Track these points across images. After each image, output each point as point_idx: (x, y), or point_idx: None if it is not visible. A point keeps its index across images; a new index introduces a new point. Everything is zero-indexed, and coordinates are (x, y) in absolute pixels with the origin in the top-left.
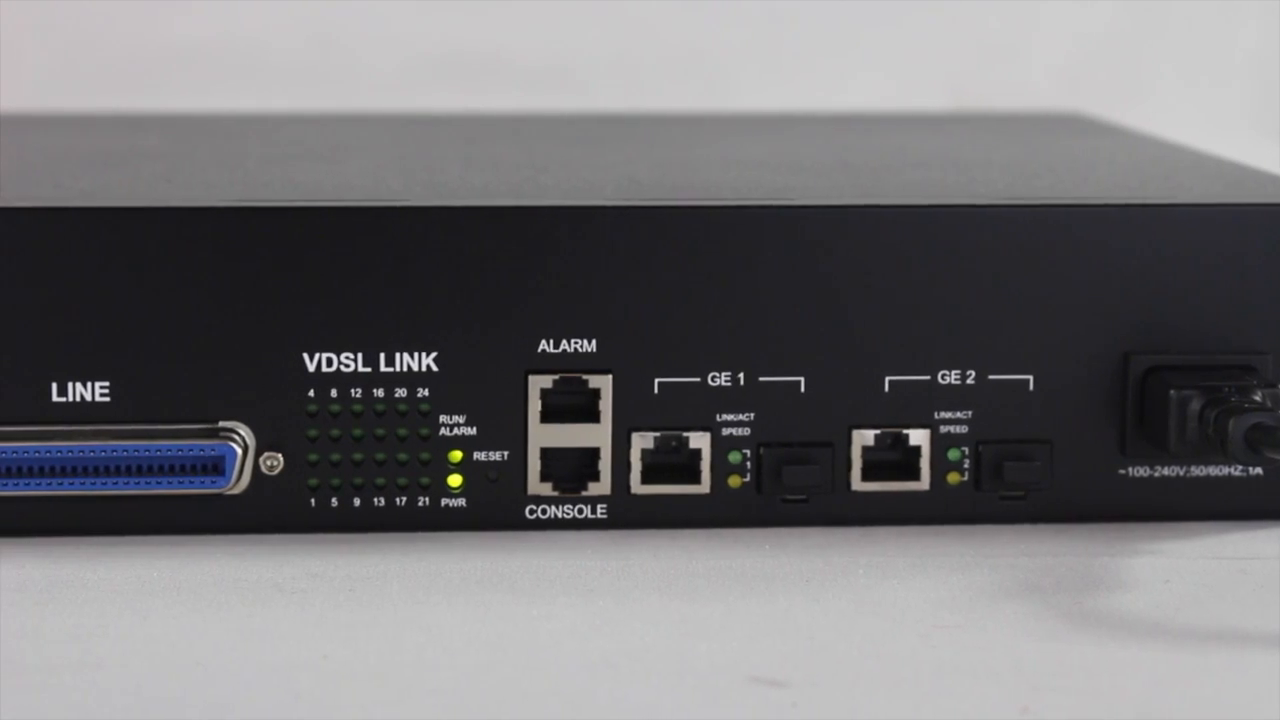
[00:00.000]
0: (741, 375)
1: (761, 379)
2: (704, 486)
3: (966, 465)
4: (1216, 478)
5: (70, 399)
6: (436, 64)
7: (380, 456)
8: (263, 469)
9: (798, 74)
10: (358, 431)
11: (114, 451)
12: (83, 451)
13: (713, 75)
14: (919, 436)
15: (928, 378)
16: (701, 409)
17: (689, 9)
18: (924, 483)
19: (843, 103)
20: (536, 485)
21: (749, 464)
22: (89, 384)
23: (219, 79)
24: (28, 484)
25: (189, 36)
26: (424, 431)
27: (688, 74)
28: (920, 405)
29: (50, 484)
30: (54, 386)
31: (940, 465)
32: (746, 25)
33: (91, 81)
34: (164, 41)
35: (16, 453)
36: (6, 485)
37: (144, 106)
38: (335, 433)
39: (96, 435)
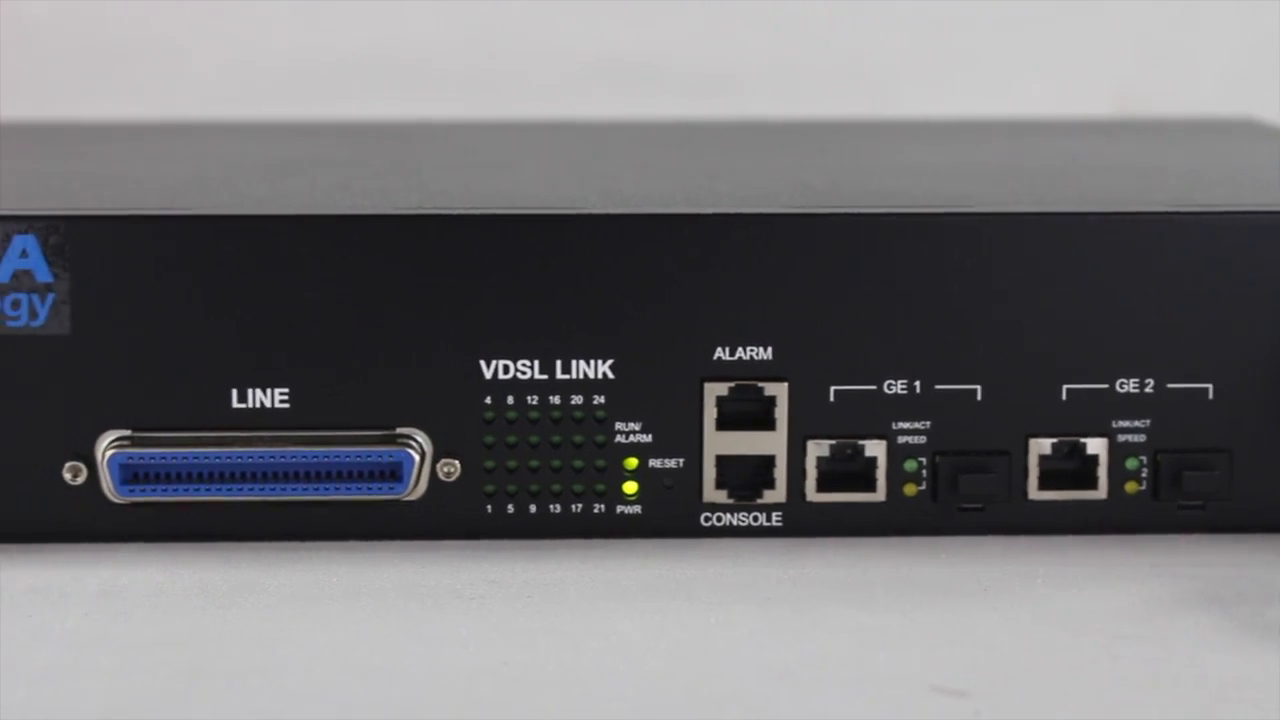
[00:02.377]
0: (918, 383)
1: (938, 387)
2: (879, 494)
3: (1144, 474)
4: None
5: (250, 405)
6: (599, 71)
7: (556, 463)
8: (440, 475)
9: (959, 79)
10: (534, 438)
11: (293, 458)
12: (262, 458)
13: (874, 81)
14: (1096, 445)
15: (1105, 386)
16: (877, 417)
17: (849, 15)
18: (1101, 492)
19: (1005, 108)
20: (712, 493)
21: (925, 472)
22: (269, 391)
23: (387, 87)
24: (208, 490)
25: (357, 44)
26: (600, 438)
27: (849, 80)
28: (1098, 414)
29: (230, 490)
30: (234, 393)
31: (1118, 474)
32: (908, 31)
33: (263, 90)
34: (332, 49)
35: (197, 459)
36: (188, 491)
37: (316, 114)
38: (512, 439)
39: (276, 442)
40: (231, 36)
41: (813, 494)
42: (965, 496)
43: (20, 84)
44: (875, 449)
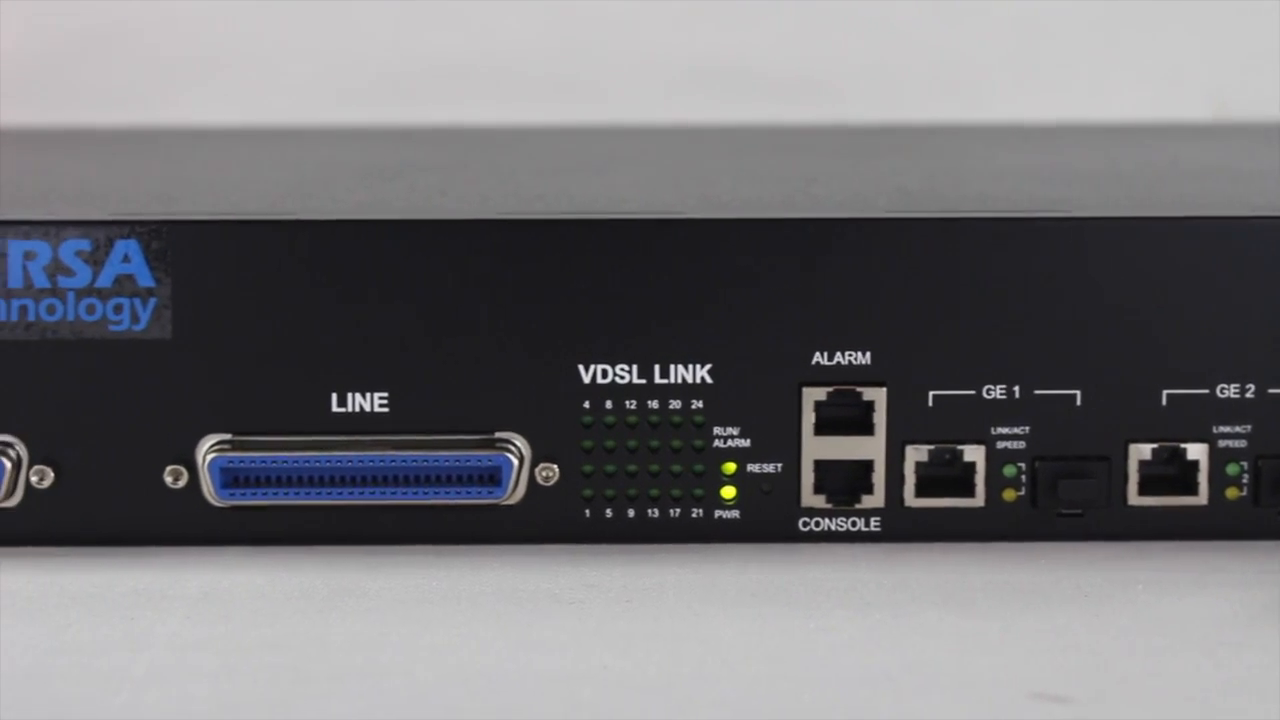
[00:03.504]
0: (1016, 388)
1: (1037, 392)
2: (978, 500)
3: (1245, 480)
4: None
5: (350, 409)
6: (692, 76)
7: (654, 468)
8: (538, 479)
9: (1054, 83)
10: (632, 443)
11: (392, 462)
12: (361, 461)
13: (968, 85)
14: (1197, 451)
15: (1206, 391)
16: (976, 422)
17: (941, 19)
18: (1202, 498)
19: (1101, 113)
20: (810, 497)
21: (1024, 477)
22: (368, 395)
23: (479, 92)
24: (308, 493)
25: (448, 49)
26: (698, 443)
27: (942, 84)
28: (1198, 419)
29: (330, 493)
30: (334, 397)
31: (1218, 480)
32: (1000, 34)
33: (357, 95)
34: (423, 54)
35: (297, 462)
36: (288, 494)
37: (409, 119)
38: (610, 444)
39: (375, 446)
40: (324, 41)
41: (911, 499)
42: (1065, 502)
43: (118, 89)
44: (974, 454)
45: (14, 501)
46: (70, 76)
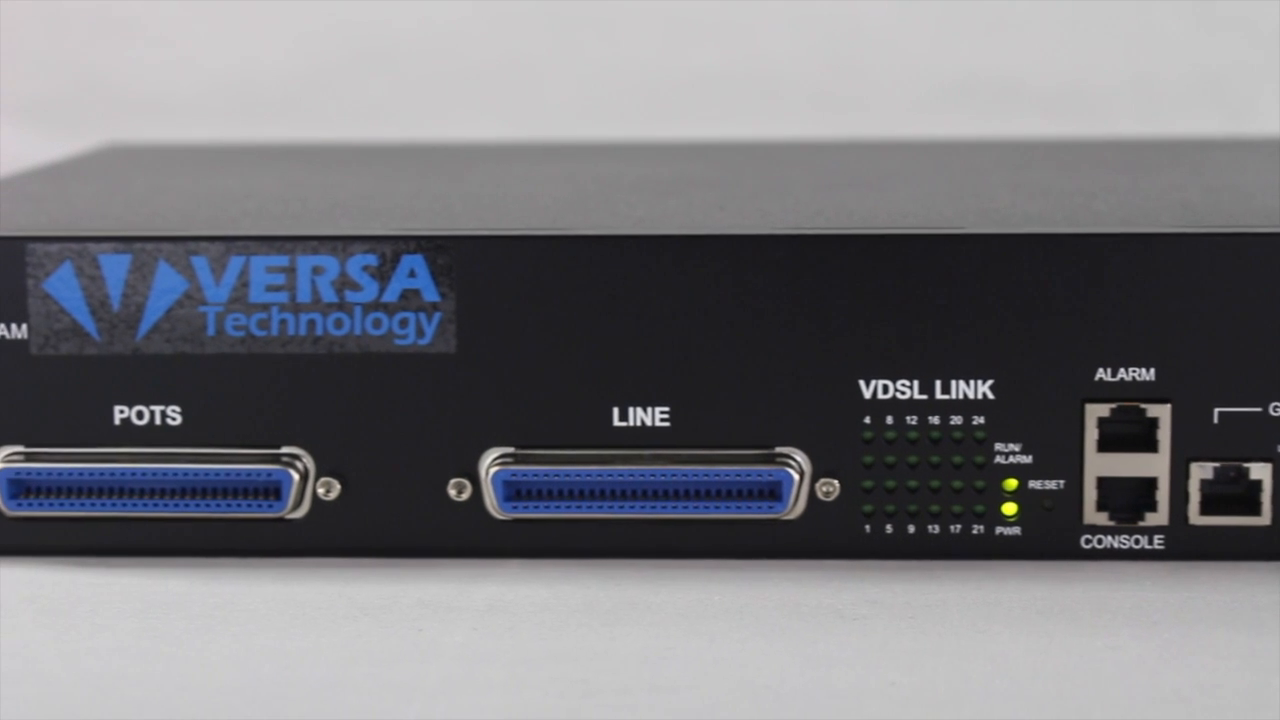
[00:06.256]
0: None
1: None
2: (1264, 518)
3: None
4: None
5: (631, 424)
6: (953, 90)
7: (935, 484)
8: (819, 495)
9: None
10: (913, 459)
11: (673, 476)
12: (642, 476)
13: (1234, 97)
14: None
15: None
16: (1263, 439)
17: (1206, 30)
18: None
19: None
20: (1092, 515)
21: None
22: (649, 409)
23: (744, 107)
24: (590, 507)
25: (712, 65)
26: (979, 459)
27: (1207, 96)
28: None
29: (611, 507)
30: (615, 411)
31: None
32: (1263, 47)
33: (618, 109)
34: (685, 69)
35: (579, 476)
36: (569, 508)
37: (673, 134)
38: (890, 459)
39: (656, 460)
40: (589, 58)
41: (1195, 517)
42: None
43: (390, 106)
44: (1260, 472)
45: (301, 513)
46: (345, 93)
